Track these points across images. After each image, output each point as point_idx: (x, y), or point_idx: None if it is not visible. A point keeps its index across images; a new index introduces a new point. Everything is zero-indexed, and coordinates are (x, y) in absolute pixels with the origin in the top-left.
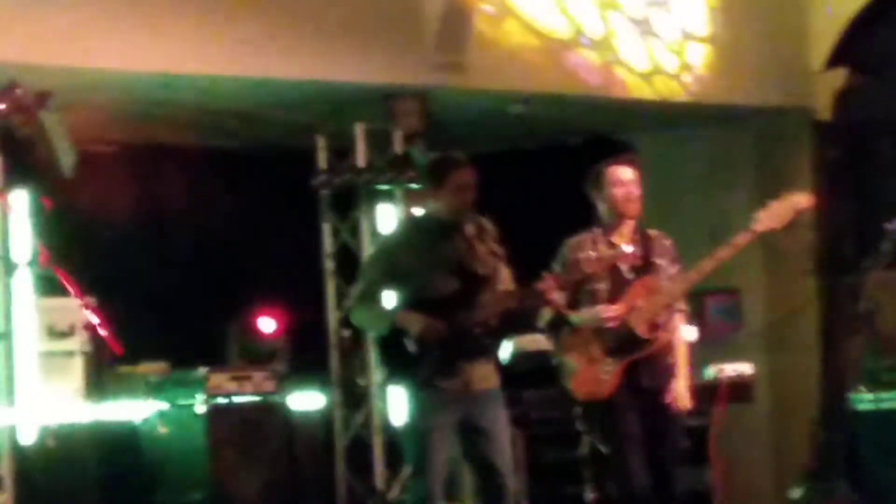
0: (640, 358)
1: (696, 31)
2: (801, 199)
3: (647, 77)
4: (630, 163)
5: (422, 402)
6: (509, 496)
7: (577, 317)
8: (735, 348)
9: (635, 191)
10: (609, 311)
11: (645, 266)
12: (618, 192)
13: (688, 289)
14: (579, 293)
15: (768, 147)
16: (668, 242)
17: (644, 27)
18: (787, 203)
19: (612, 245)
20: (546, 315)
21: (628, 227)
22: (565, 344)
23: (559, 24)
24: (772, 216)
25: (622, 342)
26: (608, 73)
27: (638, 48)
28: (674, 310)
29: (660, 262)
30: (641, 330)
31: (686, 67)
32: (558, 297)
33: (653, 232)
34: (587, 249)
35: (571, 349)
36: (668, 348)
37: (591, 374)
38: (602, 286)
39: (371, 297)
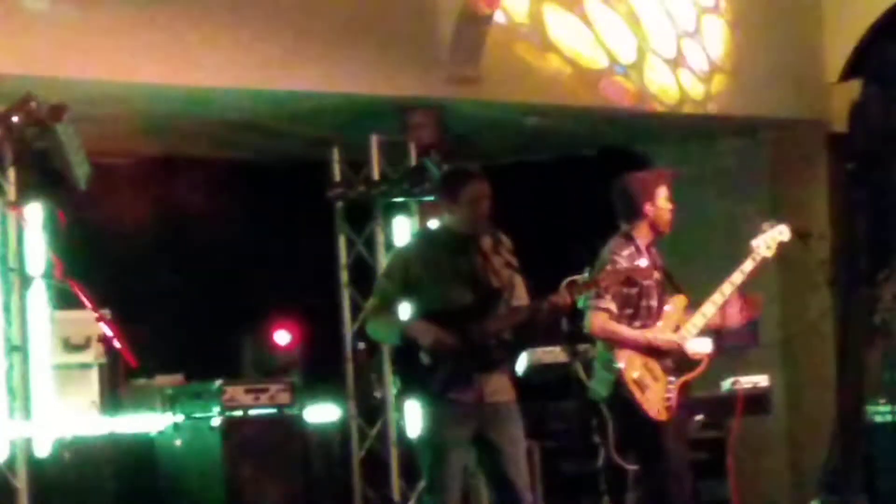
0: (691, 379)
1: (711, 44)
2: (784, 232)
3: (663, 90)
4: (672, 175)
5: (435, 415)
6: None
7: (660, 337)
8: (751, 361)
9: (671, 207)
10: (679, 342)
11: (669, 284)
12: (668, 210)
13: (718, 310)
14: (631, 307)
15: (783, 159)
16: (661, 256)
17: (659, 39)
18: (776, 233)
19: (646, 259)
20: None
21: (651, 240)
22: (628, 359)
23: (573, 36)
24: (765, 246)
25: (679, 362)
26: (624, 85)
27: (654, 60)
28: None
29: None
30: (693, 351)
31: (702, 80)
32: (612, 306)
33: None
34: (633, 259)
35: (636, 366)
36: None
37: (659, 394)
38: (653, 303)
39: (386, 309)
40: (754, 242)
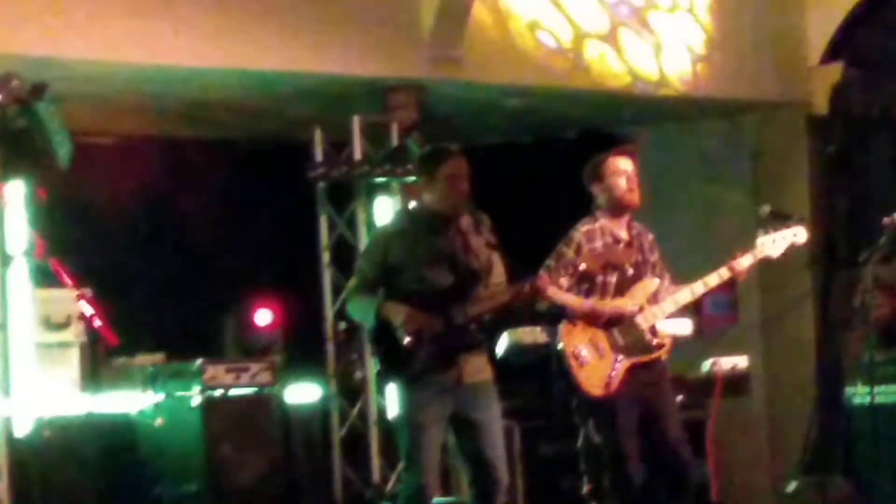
0: (645, 361)
1: (692, 26)
2: (800, 234)
3: (645, 72)
4: (630, 153)
5: (414, 394)
6: (502, 489)
7: (605, 304)
8: (731, 342)
9: (635, 181)
10: (634, 310)
11: (643, 263)
12: (620, 182)
13: (692, 301)
14: (588, 282)
15: (765, 141)
16: (651, 236)
17: (641, 21)
18: (789, 234)
19: (615, 237)
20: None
21: (625, 218)
22: (572, 335)
23: (555, 17)
24: (772, 243)
25: (632, 342)
26: (604, 66)
27: (635, 42)
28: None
29: (651, 258)
30: (650, 334)
31: (683, 62)
32: (565, 283)
33: (638, 225)
34: (598, 240)
35: (580, 342)
36: (667, 358)
37: (601, 370)
38: (611, 279)
39: (365, 290)
40: (760, 239)
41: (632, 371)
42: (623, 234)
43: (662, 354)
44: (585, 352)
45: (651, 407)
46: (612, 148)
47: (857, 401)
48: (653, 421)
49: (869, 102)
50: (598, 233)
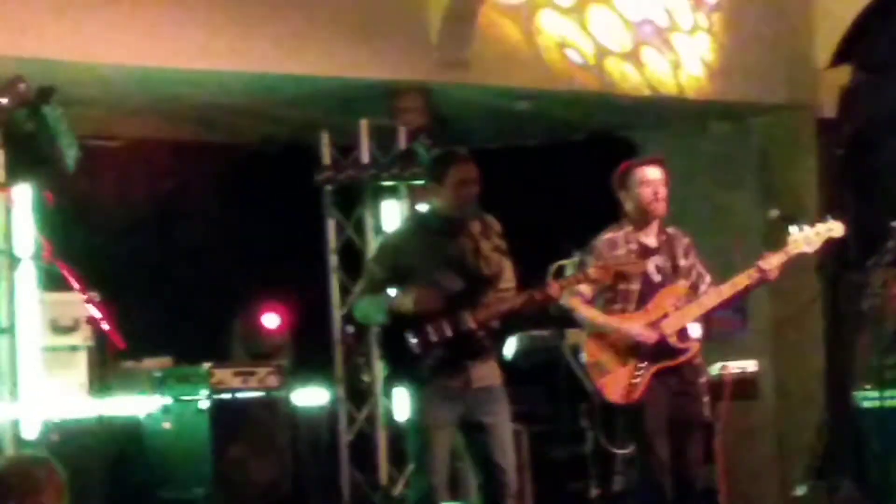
0: (671, 366)
1: (703, 29)
2: (836, 227)
3: (653, 75)
4: (658, 163)
5: (422, 399)
6: (511, 493)
7: (610, 324)
8: (740, 346)
9: (663, 190)
10: (643, 335)
11: (672, 269)
12: (646, 191)
13: (720, 304)
14: (611, 291)
15: (773, 144)
16: (687, 240)
17: (650, 25)
18: (824, 229)
19: (642, 245)
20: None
21: (654, 225)
22: (596, 343)
23: (564, 20)
24: (806, 240)
25: (656, 349)
26: (613, 69)
27: (644, 46)
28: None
29: (683, 262)
30: (674, 339)
31: (691, 65)
32: (587, 291)
33: (672, 230)
34: (620, 248)
35: (602, 349)
36: (700, 362)
37: (623, 378)
38: (633, 287)
39: (374, 291)
40: (792, 236)
41: (658, 377)
42: (651, 241)
43: (691, 358)
44: (606, 359)
45: (681, 416)
46: (641, 156)
47: (866, 405)
48: (678, 431)
49: (878, 105)
50: (621, 240)
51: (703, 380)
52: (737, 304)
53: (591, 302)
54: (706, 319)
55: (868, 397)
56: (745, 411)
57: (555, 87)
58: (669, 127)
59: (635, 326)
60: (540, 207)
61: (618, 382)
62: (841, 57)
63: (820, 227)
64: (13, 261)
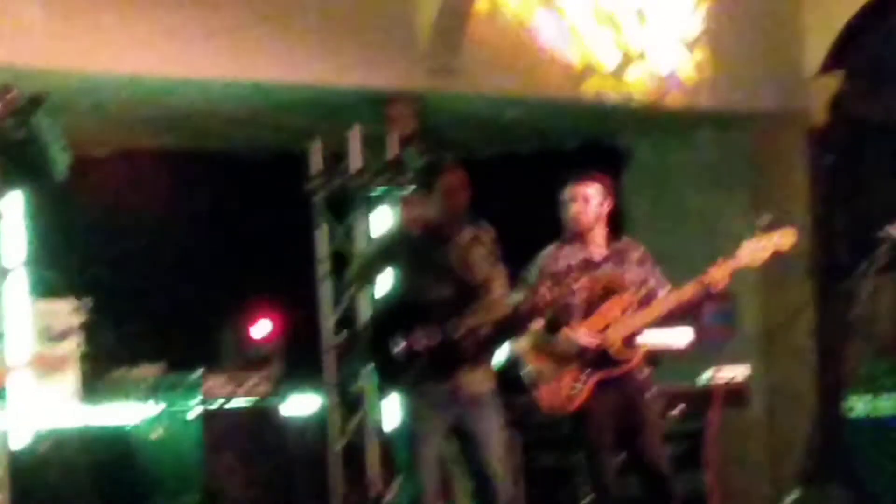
0: (612, 376)
1: (692, 37)
2: (788, 238)
3: (643, 83)
4: (587, 179)
5: (411, 405)
6: (503, 501)
7: (550, 338)
8: (730, 353)
9: (583, 206)
10: (587, 339)
11: (620, 280)
12: (570, 207)
13: (666, 313)
14: (555, 305)
15: (764, 151)
16: (641, 250)
17: (639, 34)
18: (774, 238)
19: (584, 258)
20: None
21: (598, 238)
22: (538, 353)
23: (555, 29)
24: (754, 250)
25: (596, 358)
26: (605, 78)
27: (635, 54)
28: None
29: (634, 274)
30: (617, 349)
31: (681, 73)
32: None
33: (624, 241)
34: (561, 261)
35: (544, 359)
36: (647, 375)
37: (564, 388)
38: (577, 302)
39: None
40: (742, 247)
41: (601, 386)
42: (595, 255)
43: (633, 367)
44: (547, 368)
45: (627, 422)
46: (575, 173)
47: (856, 412)
48: (630, 436)
49: (868, 112)
50: (563, 254)
51: (648, 388)
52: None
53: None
54: (697, 329)
55: (858, 404)
56: (736, 417)
57: (545, 96)
58: (661, 135)
59: (578, 333)
60: (532, 215)
61: (558, 392)
62: (831, 63)
63: (767, 239)
64: (2, 270)
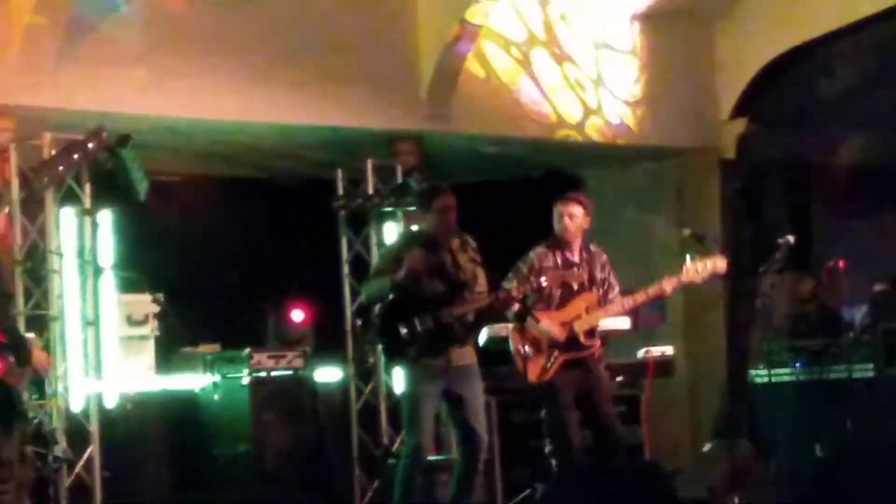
0: (576, 358)
1: (630, 87)
2: (721, 264)
3: (594, 123)
4: (573, 200)
5: (412, 375)
6: (483, 449)
7: (534, 324)
8: (661, 335)
9: (569, 221)
10: (558, 332)
11: (588, 280)
12: (561, 221)
13: (622, 312)
14: (537, 294)
15: (686, 179)
16: (604, 257)
17: (593, 84)
18: (710, 263)
19: (565, 259)
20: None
21: (577, 244)
22: (519, 336)
23: (525, 82)
24: (695, 270)
25: (567, 342)
26: (564, 120)
27: (588, 101)
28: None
29: (599, 275)
30: (582, 337)
31: (622, 116)
32: (515, 292)
33: (594, 248)
34: (548, 260)
35: (525, 341)
36: (600, 351)
37: (539, 363)
38: (556, 293)
39: (379, 277)
40: (686, 266)
41: (566, 364)
42: (574, 257)
43: (593, 352)
44: (528, 349)
45: (584, 390)
46: (564, 194)
47: (758, 380)
48: (586, 400)
49: (767, 150)
50: (549, 254)
51: (601, 362)
52: (655, 304)
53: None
54: (634, 316)
55: (759, 375)
56: (664, 386)
57: (517, 135)
58: (605, 166)
59: (553, 327)
60: (506, 229)
61: (536, 366)
62: (738, 112)
63: (707, 261)
64: (97, 270)
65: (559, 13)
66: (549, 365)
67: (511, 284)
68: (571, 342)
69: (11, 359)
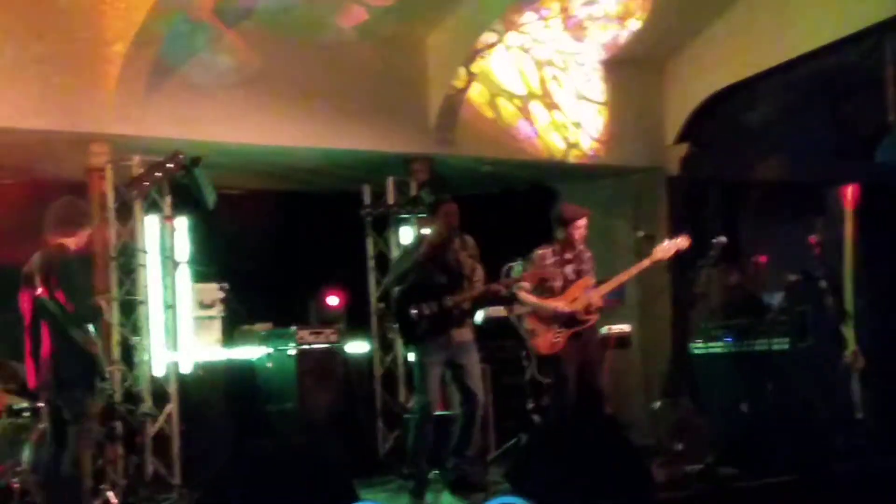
0: (579, 330)
1: (601, 127)
2: (683, 242)
3: (568, 147)
4: (586, 215)
5: (422, 349)
6: (479, 406)
7: (541, 305)
8: (620, 315)
9: (582, 232)
10: (562, 308)
11: (579, 273)
12: (577, 232)
13: (608, 292)
14: (542, 287)
15: (640, 193)
16: (589, 254)
17: (570, 118)
18: (673, 243)
19: (563, 257)
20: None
21: (573, 246)
22: (532, 317)
23: (514, 114)
24: (662, 251)
25: (569, 320)
26: (545, 145)
27: (569, 137)
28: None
29: (585, 268)
30: (580, 314)
31: (591, 142)
32: (527, 286)
33: (581, 247)
34: (548, 259)
35: (536, 321)
36: (595, 325)
37: (548, 338)
38: (557, 284)
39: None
40: (657, 249)
41: (571, 337)
42: (569, 256)
43: (591, 326)
44: (539, 326)
45: (584, 359)
46: (570, 207)
47: (697, 351)
48: (585, 368)
49: (704, 169)
50: (550, 254)
51: (596, 334)
52: (616, 292)
53: (530, 292)
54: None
55: (698, 347)
56: (623, 356)
57: (507, 157)
58: (577, 181)
59: (559, 304)
60: (497, 232)
61: (546, 341)
62: (682, 137)
63: (671, 243)
64: (175, 264)
65: (552, 74)
66: (556, 338)
67: (515, 274)
68: (573, 319)
69: (92, 330)
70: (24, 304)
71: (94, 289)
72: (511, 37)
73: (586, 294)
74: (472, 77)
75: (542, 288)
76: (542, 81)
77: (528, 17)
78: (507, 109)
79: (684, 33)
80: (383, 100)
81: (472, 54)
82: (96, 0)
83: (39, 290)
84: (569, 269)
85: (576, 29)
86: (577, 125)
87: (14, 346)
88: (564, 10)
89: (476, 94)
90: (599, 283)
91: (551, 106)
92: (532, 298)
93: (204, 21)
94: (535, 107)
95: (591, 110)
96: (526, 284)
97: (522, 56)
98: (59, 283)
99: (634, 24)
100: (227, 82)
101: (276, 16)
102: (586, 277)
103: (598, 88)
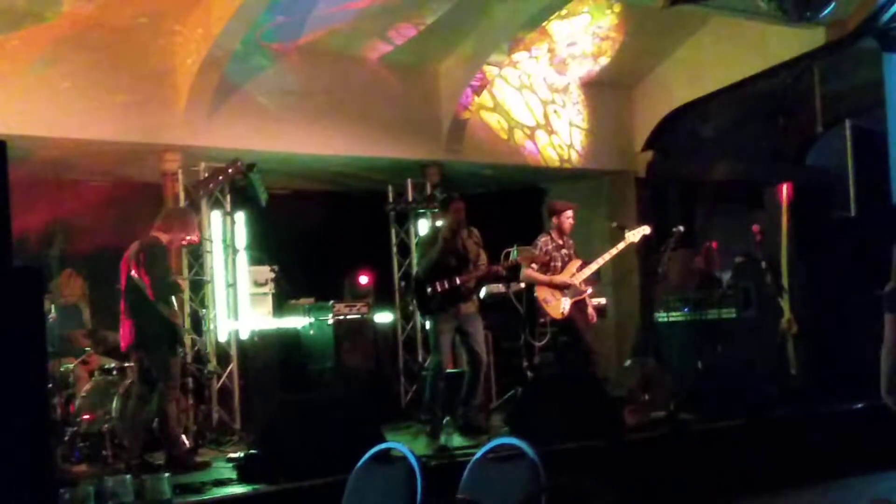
0: (578, 300)
1: (581, 138)
2: (647, 229)
3: (556, 153)
4: (573, 208)
5: (436, 318)
6: (483, 365)
7: (553, 280)
8: (597, 291)
9: (570, 221)
10: (569, 281)
11: (570, 257)
12: (567, 222)
13: (595, 271)
14: (545, 266)
15: (613, 191)
16: (571, 241)
17: (558, 128)
18: (640, 230)
19: (556, 243)
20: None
21: (563, 233)
22: (542, 291)
23: (510, 126)
24: (633, 235)
25: (571, 291)
26: (538, 151)
27: (553, 138)
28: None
29: (573, 252)
30: (580, 285)
31: (573, 149)
32: (535, 266)
33: (568, 237)
34: (547, 245)
35: (546, 293)
36: (586, 296)
37: (557, 306)
38: (557, 265)
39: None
40: (628, 233)
41: (573, 305)
42: (561, 242)
43: (586, 296)
44: (549, 297)
45: (578, 321)
46: (559, 201)
47: (660, 320)
48: (581, 328)
49: (666, 171)
50: (547, 242)
51: (591, 306)
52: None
53: (537, 271)
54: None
55: (661, 316)
56: (600, 324)
57: (505, 161)
58: (561, 181)
59: (563, 278)
60: (498, 223)
61: (555, 308)
62: (648, 145)
63: (639, 230)
64: (235, 249)
65: (553, 109)
66: (563, 306)
67: (513, 258)
68: (573, 290)
69: (174, 303)
70: (123, 281)
71: (171, 270)
72: (508, 71)
73: (579, 272)
74: (476, 106)
75: (547, 268)
76: (546, 115)
77: (520, 55)
78: (520, 136)
79: (650, 60)
80: (403, 116)
81: (480, 87)
82: (168, 32)
83: (134, 272)
84: (563, 252)
85: (559, 65)
86: (571, 146)
87: (113, 316)
88: (551, 50)
89: (501, 128)
90: (584, 264)
91: (551, 132)
92: (542, 276)
93: (261, 48)
94: (540, 133)
95: (578, 131)
96: (535, 265)
97: (530, 94)
98: (150, 267)
99: (604, 60)
100: (278, 99)
101: (316, 45)
102: (574, 259)
103: (583, 114)
